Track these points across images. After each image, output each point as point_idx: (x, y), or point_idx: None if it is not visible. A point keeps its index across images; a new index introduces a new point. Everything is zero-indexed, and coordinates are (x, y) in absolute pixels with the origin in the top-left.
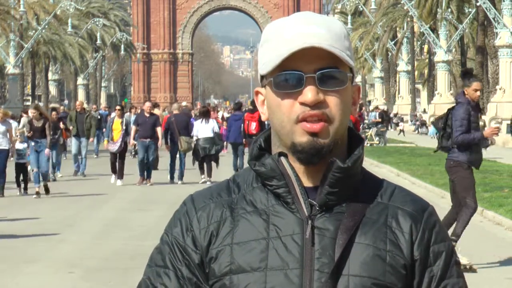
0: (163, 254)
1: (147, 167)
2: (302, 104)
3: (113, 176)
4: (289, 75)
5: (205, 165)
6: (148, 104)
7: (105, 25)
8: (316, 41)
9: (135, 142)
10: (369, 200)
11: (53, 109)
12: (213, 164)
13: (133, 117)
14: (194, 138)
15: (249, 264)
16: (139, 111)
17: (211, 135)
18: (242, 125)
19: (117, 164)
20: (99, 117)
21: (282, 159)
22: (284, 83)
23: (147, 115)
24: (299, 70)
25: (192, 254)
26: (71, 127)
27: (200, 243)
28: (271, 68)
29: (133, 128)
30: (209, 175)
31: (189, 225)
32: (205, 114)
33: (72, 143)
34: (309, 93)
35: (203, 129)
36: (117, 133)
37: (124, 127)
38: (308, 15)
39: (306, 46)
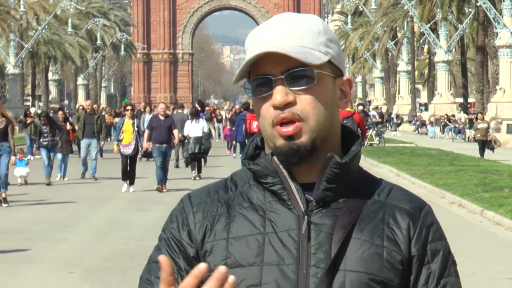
0: (160, 250)
1: (163, 172)
2: (274, 106)
3: (125, 185)
4: (259, 80)
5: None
6: (162, 106)
7: (105, 25)
8: (279, 44)
9: (147, 146)
10: (366, 197)
11: (60, 108)
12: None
13: (147, 117)
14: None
15: (245, 259)
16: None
17: (200, 134)
18: (244, 124)
19: (128, 168)
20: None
21: (275, 157)
22: (257, 89)
23: (162, 117)
24: (269, 74)
25: (188, 247)
26: (76, 126)
27: (195, 237)
28: (239, 77)
29: (146, 132)
30: (199, 170)
31: (185, 220)
32: (195, 114)
33: (82, 146)
34: (277, 95)
35: (193, 129)
36: (128, 135)
37: (136, 129)
38: (282, 17)
39: (263, 52)
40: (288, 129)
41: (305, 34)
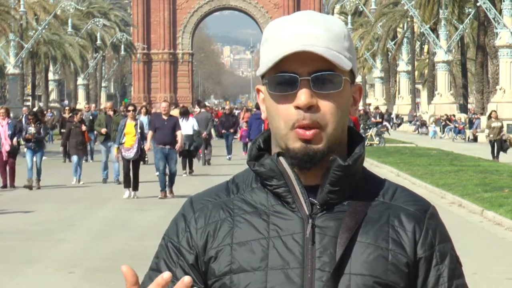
0: (158, 258)
1: (170, 177)
2: (296, 107)
3: (127, 191)
4: (283, 77)
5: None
6: (164, 104)
7: (105, 25)
8: (311, 43)
9: (150, 147)
10: (370, 199)
11: (73, 109)
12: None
13: (142, 118)
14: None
15: (250, 263)
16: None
17: (191, 132)
18: (262, 124)
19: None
20: (91, 117)
21: (281, 158)
22: (279, 86)
23: (165, 117)
24: (294, 72)
25: (186, 254)
26: (103, 130)
27: (196, 243)
28: (265, 70)
29: (149, 133)
30: (191, 167)
31: (185, 226)
32: (185, 113)
33: (102, 149)
34: (302, 96)
35: (183, 127)
36: (130, 138)
37: (139, 131)
38: (308, 15)
39: (298, 50)
40: (308, 133)
41: (332, 36)
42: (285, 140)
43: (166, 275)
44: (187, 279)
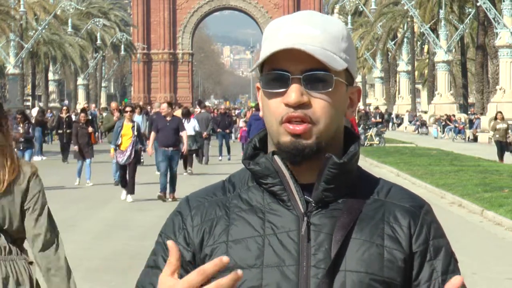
0: (155, 255)
1: (171, 179)
2: (286, 104)
3: (124, 192)
4: (275, 74)
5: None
6: (164, 106)
7: (105, 25)
8: (305, 42)
9: (150, 150)
10: (365, 197)
11: (83, 110)
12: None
13: (137, 118)
14: None
15: (245, 261)
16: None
17: (193, 133)
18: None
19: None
20: (90, 117)
21: (276, 157)
22: (271, 83)
23: (168, 118)
24: (286, 70)
25: (184, 252)
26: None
27: (192, 240)
28: (255, 66)
29: (152, 134)
30: (190, 165)
31: (182, 224)
32: (187, 114)
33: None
34: (292, 94)
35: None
36: (127, 140)
37: (135, 133)
38: (307, 15)
39: (287, 48)
40: (297, 128)
41: (329, 37)
42: (277, 135)
43: (225, 258)
44: (225, 258)
